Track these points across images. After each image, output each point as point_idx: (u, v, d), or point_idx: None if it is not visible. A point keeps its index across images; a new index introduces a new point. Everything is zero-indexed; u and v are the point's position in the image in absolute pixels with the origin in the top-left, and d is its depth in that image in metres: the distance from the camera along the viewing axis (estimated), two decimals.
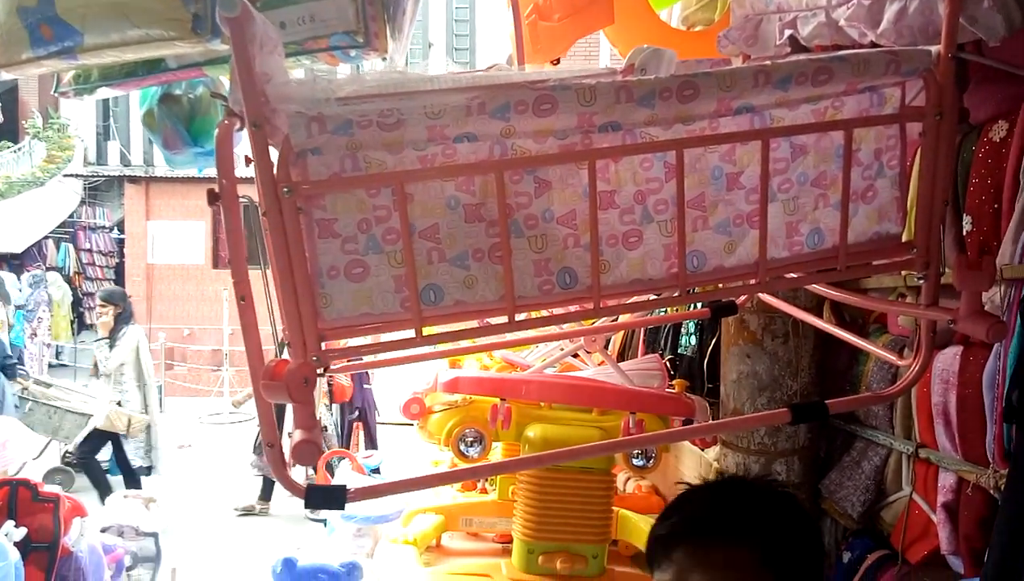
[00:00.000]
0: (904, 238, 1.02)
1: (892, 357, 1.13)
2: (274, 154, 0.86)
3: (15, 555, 2.11)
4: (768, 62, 0.95)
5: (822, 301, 1.58)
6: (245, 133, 0.90)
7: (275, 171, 0.83)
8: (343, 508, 0.98)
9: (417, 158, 0.86)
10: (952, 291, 0.96)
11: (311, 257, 0.85)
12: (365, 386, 5.84)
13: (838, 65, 0.90)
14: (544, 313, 1.03)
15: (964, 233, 1.27)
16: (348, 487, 0.95)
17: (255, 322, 0.87)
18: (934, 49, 0.94)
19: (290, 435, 0.84)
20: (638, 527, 1.91)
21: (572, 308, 0.94)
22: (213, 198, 0.87)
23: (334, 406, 5.68)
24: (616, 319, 1.56)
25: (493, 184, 0.86)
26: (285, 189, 0.82)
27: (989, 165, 1.24)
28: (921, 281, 1.00)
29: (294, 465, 0.96)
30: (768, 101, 0.92)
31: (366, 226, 0.86)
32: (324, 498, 0.95)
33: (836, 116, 0.96)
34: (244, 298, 0.88)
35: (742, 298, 1.53)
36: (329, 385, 5.46)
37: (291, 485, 0.93)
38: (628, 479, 2.39)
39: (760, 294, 1.49)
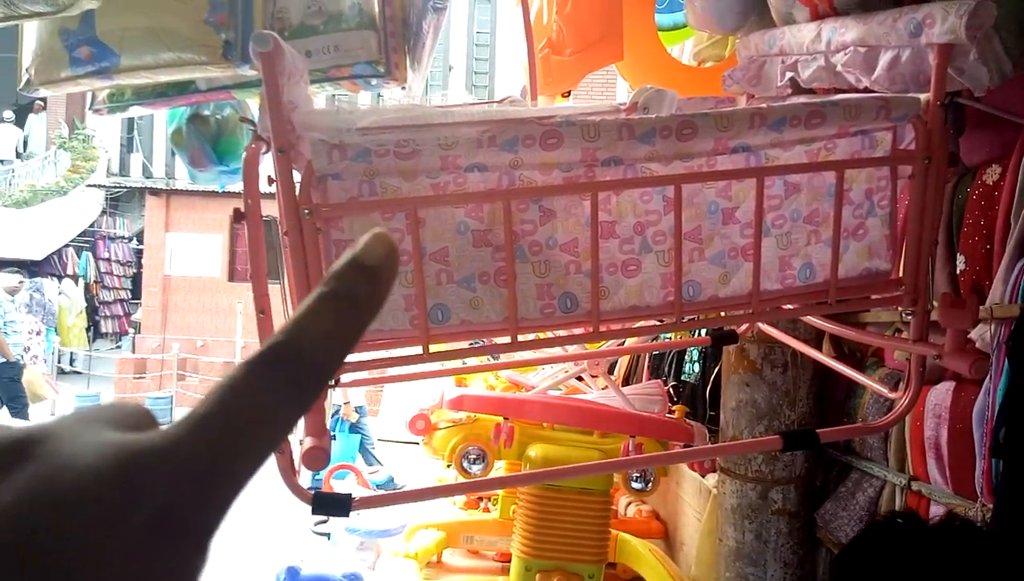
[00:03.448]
0: (895, 275, 1.07)
1: (883, 390, 1.17)
2: (296, 177, 0.92)
3: None
4: (764, 105, 1.00)
5: (822, 333, 1.62)
6: (268, 155, 0.96)
7: (297, 194, 0.89)
8: (348, 515, 1.02)
9: (430, 185, 0.92)
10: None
11: None
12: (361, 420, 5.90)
13: (831, 109, 0.95)
14: (546, 335, 1.08)
15: (958, 272, 1.31)
16: (353, 495, 0.99)
17: (272, 330, 0.93)
18: (923, 96, 0.99)
19: (300, 442, 0.89)
20: (637, 551, 1.94)
21: (574, 331, 0.98)
22: (239, 217, 0.93)
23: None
24: (622, 343, 1.61)
25: (501, 212, 0.91)
26: (306, 211, 0.88)
27: (982, 207, 1.28)
28: (910, 317, 1.04)
29: (299, 473, 1.01)
30: (763, 141, 0.97)
31: None
32: (330, 505, 0.99)
33: (829, 157, 1.01)
34: (263, 312, 0.93)
35: (743, 328, 1.57)
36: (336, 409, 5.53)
37: (298, 491, 0.97)
38: (629, 503, 2.41)
39: (760, 324, 1.53)
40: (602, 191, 0.94)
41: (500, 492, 2.26)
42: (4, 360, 7.43)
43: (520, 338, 0.96)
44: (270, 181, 0.99)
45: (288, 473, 0.96)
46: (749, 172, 0.97)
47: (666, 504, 2.30)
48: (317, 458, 0.85)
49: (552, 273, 0.95)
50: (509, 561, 1.99)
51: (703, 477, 2.01)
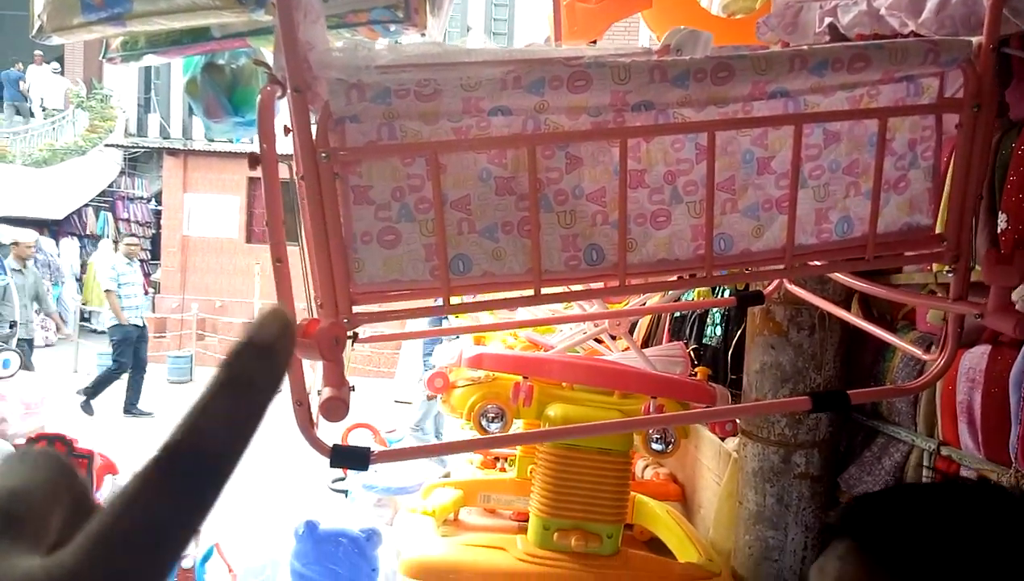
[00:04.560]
0: (936, 231, 1.02)
1: (917, 351, 1.13)
2: (313, 122, 0.88)
3: None
4: (805, 47, 0.94)
5: (850, 295, 1.57)
6: (285, 105, 0.93)
7: (314, 137, 0.85)
8: (367, 468, 1.01)
9: (452, 129, 0.88)
10: (984, 289, 0.96)
11: (345, 222, 0.88)
12: None
13: (875, 52, 0.89)
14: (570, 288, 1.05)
15: (999, 230, 1.26)
16: (372, 449, 0.98)
17: (290, 284, 0.90)
18: (975, 40, 0.93)
19: (319, 393, 0.87)
20: (654, 513, 1.93)
21: (599, 285, 0.95)
22: (254, 162, 0.90)
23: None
24: (644, 303, 1.57)
25: (525, 158, 0.88)
26: (323, 154, 0.84)
27: None
28: (950, 275, 1.00)
29: (318, 426, 1.00)
30: (803, 86, 0.92)
31: (400, 194, 0.88)
32: (348, 458, 0.98)
33: (871, 104, 0.96)
34: (280, 260, 0.91)
35: (771, 287, 1.53)
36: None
37: (317, 443, 0.96)
38: (646, 466, 2.40)
39: (788, 285, 1.49)
40: (632, 137, 0.89)
41: (517, 453, 2.25)
42: (117, 322, 7.55)
43: (543, 291, 0.92)
44: (286, 131, 0.96)
45: (306, 426, 0.95)
46: (787, 119, 0.92)
47: (684, 468, 2.28)
48: (336, 409, 0.83)
49: (578, 223, 0.92)
50: (526, 520, 1.99)
51: (723, 440, 1.98)
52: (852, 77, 0.92)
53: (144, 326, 7.95)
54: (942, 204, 1.05)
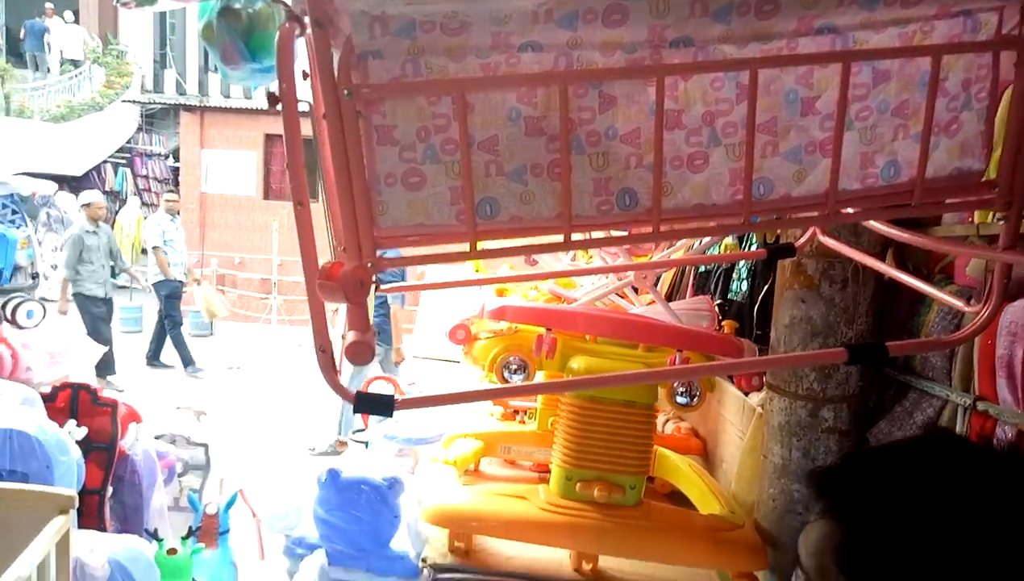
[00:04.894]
0: (986, 177, 0.97)
1: (959, 303, 1.09)
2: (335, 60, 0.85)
3: (77, 452, 2.22)
4: None
5: (885, 248, 1.52)
6: (303, 49, 0.89)
7: (336, 75, 0.82)
8: (391, 414, 0.99)
9: (479, 66, 0.84)
10: None
11: (369, 163, 0.85)
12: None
13: None
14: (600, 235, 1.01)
15: None
16: (396, 396, 0.96)
17: (311, 227, 0.88)
18: None
19: (343, 337, 0.85)
20: (676, 466, 1.92)
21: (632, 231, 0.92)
22: (273, 101, 0.87)
23: None
24: (670, 256, 1.54)
25: (556, 97, 0.84)
26: (345, 92, 0.81)
27: None
28: (1000, 223, 0.95)
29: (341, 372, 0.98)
30: (852, 21, 0.87)
31: (425, 135, 0.85)
32: (373, 404, 0.96)
33: (925, 41, 0.90)
34: (301, 203, 0.88)
35: (802, 240, 1.49)
36: None
37: (340, 390, 0.94)
38: (667, 420, 2.39)
39: (821, 237, 1.44)
40: (669, 75, 0.85)
41: (538, 405, 2.25)
42: (164, 278, 7.65)
43: (573, 237, 0.89)
44: (305, 76, 0.93)
45: (329, 371, 0.93)
46: (835, 56, 0.87)
47: (706, 422, 2.27)
48: (362, 352, 0.81)
49: (611, 166, 0.88)
50: (546, 472, 1.99)
51: (747, 395, 1.96)
52: (906, 11, 0.86)
53: (184, 281, 8.03)
54: (994, 148, 0.99)
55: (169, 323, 7.82)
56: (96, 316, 6.93)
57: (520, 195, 0.87)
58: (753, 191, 0.88)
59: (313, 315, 0.92)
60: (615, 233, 0.98)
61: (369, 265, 0.84)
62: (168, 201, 8.12)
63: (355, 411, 0.97)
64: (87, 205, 7.16)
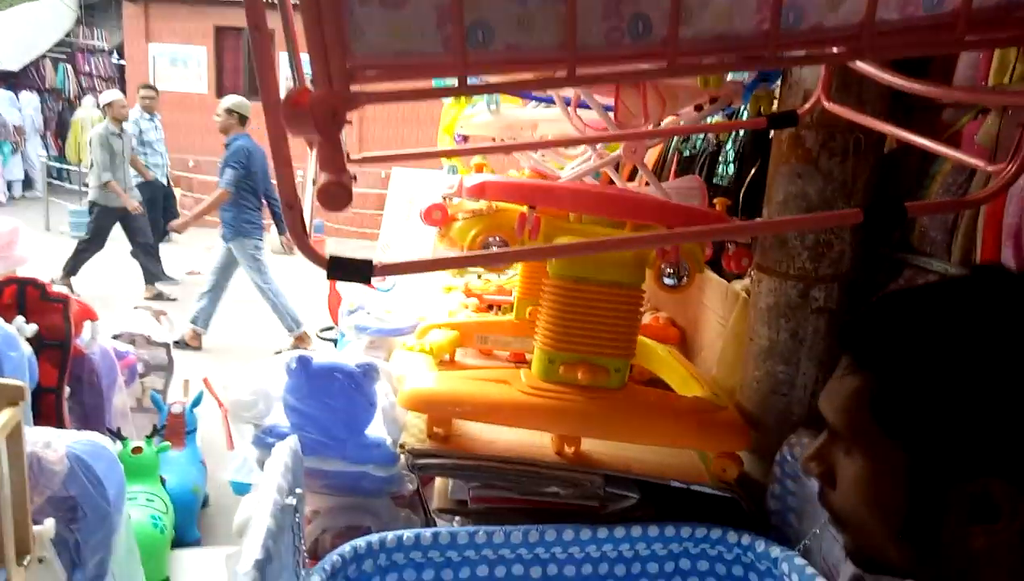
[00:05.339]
0: None
1: (980, 162, 1.01)
2: None
3: (27, 348, 2.10)
4: None
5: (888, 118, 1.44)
6: None
7: None
8: (368, 282, 0.90)
9: None
10: None
11: None
12: None
13: None
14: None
15: None
16: (373, 261, 0.87)
17: (271, 56, 0.75)
18: None
19: (313, 181, 0.74)
20: (656, 353, 1.88)
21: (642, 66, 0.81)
22: None
23: None
24: (659, 125, 1.43)
25: None
26: None
27: None
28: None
29: (312, 234, 0.87)
30: None
31: None
32: (348, 270, 0.87)
33: None
34: (258, 28, 0.75)
35: (805, 107, 1.39)
36: None
37: (311, 253, 0.84)
38: (643, 311, 2.35)
39: (826, 104, 1.35)
40: None
41: (514, 298, 2.18)
42: (142, 180, 7.18)
43: (579, 72, 0.78)
44: None
45: (298, 231, 0.83)
46: None
47: (685, 312, 2.23)
48: (337, 196, 0.71)
49: None
50: (523, 362, 1.94)
51: (729, 283, 1.91)
52: None
53: (170, 184, 7.58)
54: None
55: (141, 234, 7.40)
56: (132, 226, 6.60)
57: (518, 18, 0.75)
58: (782, 19, 0.78)
59: (277, 165, 0.80)
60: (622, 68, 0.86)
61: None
62: (144, 98, 7.53)
63: (328, 277, 0.87)
64: (109, 104, 6.58)
